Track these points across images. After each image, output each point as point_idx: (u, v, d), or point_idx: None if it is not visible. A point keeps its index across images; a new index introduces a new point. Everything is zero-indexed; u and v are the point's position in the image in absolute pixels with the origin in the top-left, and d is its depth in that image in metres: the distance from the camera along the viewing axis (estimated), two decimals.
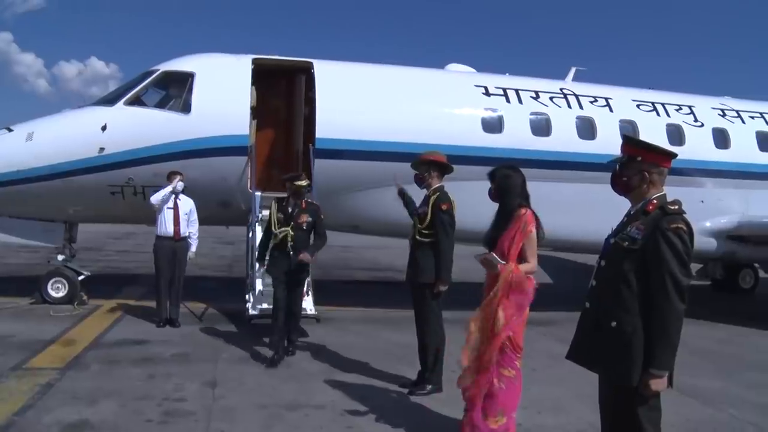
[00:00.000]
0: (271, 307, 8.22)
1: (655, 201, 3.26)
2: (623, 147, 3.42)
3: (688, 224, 3.16)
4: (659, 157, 3.34)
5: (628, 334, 3.15)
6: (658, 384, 3.10)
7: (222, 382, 6.09)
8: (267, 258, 7.48)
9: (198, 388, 5.88)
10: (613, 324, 3.19)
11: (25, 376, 5.99)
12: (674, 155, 3.38)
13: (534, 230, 4.57)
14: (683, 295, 3.09)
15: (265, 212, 9.15)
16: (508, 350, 4.47)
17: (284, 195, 7.55)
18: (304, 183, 7.42)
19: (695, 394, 6.35)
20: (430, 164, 6.14)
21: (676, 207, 3.20)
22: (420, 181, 6.23)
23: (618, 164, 3.40)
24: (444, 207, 5.96)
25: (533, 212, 4.70)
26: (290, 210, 7.28)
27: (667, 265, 3.08)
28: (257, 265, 7.87)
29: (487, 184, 4.93)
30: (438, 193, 6.04)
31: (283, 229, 7.15)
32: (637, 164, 3.31)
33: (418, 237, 6.05)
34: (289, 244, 7.12)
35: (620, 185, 3.40)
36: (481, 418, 4.50)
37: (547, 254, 18.69)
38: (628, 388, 3.14)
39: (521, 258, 4.53)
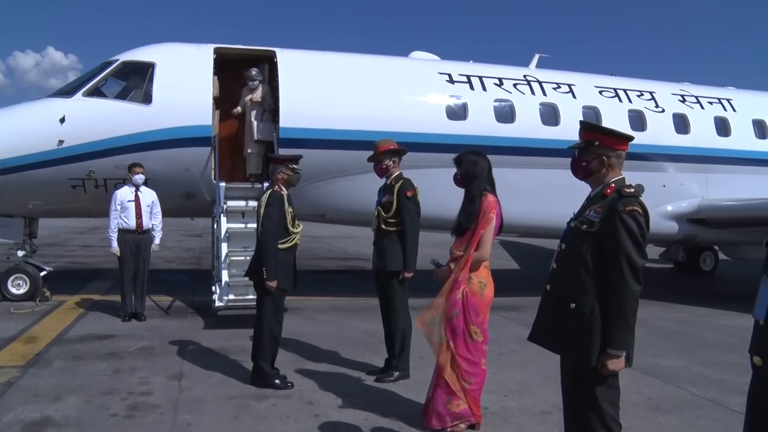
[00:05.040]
0: (237, 298, 8.21)
1: (613, 184, 3.30)
2: (581, 132, 3.46)
3: (643, 207, 3.20)
4: (616, 140, 3.38)
5: (586, 316, 3.19)
6: (615, 364, 3.14)
7: (188, 375, 6.03)
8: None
9: (164, 381, 5.83)
10: (572, 305, 3.23)
11: None
12: (630, 138, 3.41)
13: (494, 218, 4.60)
14: (638, 277, 3.13)
15: (231, 203, 9.11)
16: (475, 340, 4.52)
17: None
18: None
19: (657, 373, 6.50)
20: (392, 153, 6.13)
21: (632, 190, 3.24)
22: (384, 172, 6.15)
23: (577, 150, 3.44)
24: (409, 194, 5.96)
25: (496, 198, 4.73)
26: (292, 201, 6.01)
27: (623, 246, 3.12)
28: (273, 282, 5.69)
29: (452, 171, 4.95)
30: (401, 181, 6.02)
31: (298, 228, 5.92)
32: (595, 149, 3.35)
33: (383, 226, 6.00)
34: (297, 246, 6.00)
35: (580, 170, 3.44)
36: (444, 402, 4.55)
37: (513, 240, 18.93)
38: (587, 368, 3.19)
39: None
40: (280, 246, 5.67)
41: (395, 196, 5.93)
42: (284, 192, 5.84)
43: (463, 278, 4.52)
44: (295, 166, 5.96)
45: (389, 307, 6.06)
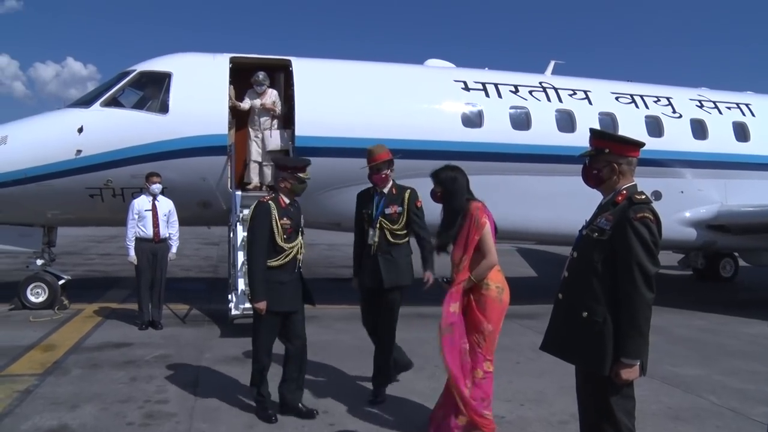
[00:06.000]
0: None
1: (624, 191, 3.28)
2: (591, 140, 3.44)
3: (655, 213, 3.17)
4: (627, 147, 3.36)
5: (598, 324, 3.16)
6: (629, 373, 3.11)
7: (204, 383, 6.05)
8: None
9: (180, 389, 5.85)
10: (584, 314, 3.20)
11: (2, 383, 5.89)
12: (641, 144, 3.38)
13: (487, 222, 4.56)
14: (651, 284, 3.10)
15: (247, 212, 9.10)
16: (480, 351, 4.49)
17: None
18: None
19: (677, 382, 6.42)
20: (390, 161, 5.74)
21: (643, 197, 3.21)
22: (385, 181, 5.72)
23: (588, 158, 3.42)
24: (419, 204, 5.73)
25: (482, 204, 4.69)
26: (293, 212, 5.23)
27: (635, 254, 3.09)
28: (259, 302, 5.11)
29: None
30: (409, 191, 5.74)
31: (294, 243, 5.18)
32: (606, 156, 3.33)
33: (391, 239, 5.61)
34: (299, 262, 5.26)
35: (591, 178, 3.42)
36: (449, 413, 4.52)
37: (530, 247, 18.84)
38: (601, 377, 3.15)
39: (479, 254, 4.52)
40: (271, 263, 5.03)
41: (405, 207, 5.66)
42: (284, 201, 5.16)
43: (456, 290, 4.47)
44: (301, 175, 5.21)
45: (390, 321, 5.73)
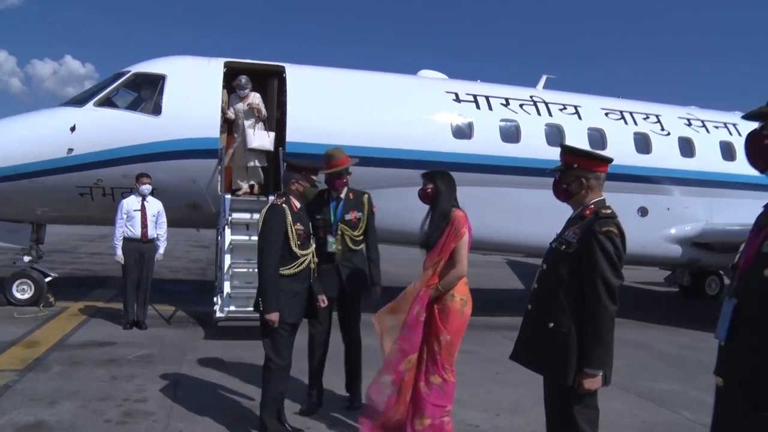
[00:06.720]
0: (238, 309, 8.23)
1: (592, 206, 3.36)
2: (561, 155, 3.53)
3: (619, 228, 3.26)
4: (595, 163, 3.45)
5: (563, 335, 3.24)
6: (592, 383, 3.19)
7: (185, 384, 6.08)
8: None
9: (160, 389, 5.87)
10: (551, 325, 3.28)
11: None
12: (610, 160, 3.48)
13: (466, 232, 4.62)
14: (614, 297, 3.18)
15: (236, 215, 9.14)
16: (438, 358, 4.52)
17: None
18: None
19: (653, 396, 6.49)
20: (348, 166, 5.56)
21: (609, 211, 3.30)
22: (343, 186, 5.55)
23: (558, 172, 3.50)
24: (374, 209, 5.63)
25: (465, 213, 4.75)
26: (304, 217, 4.98)
27: (599, 267, 3.17)
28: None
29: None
30: (367, 194, 5.62)
31: (308, 250, 4.88)
32: (575, 171, 3.42)
33: (352, 246, 5.48)
34: (313, 272, 4.96)
35: (561, 192, 3.51)
36: (406, 419, 4.56)
37: (518, 260, 18.93)
38: (565, 387, 3.23)
39: (451, 262, 4.56)
40: (284, 272, 4.69)
41: (366, 212, 5.55)
42: (295, 205, 4.85)
43: (425, 293, 4.52)
44: (314, 177, 4.99)
45: (357, 327, 5.79)
